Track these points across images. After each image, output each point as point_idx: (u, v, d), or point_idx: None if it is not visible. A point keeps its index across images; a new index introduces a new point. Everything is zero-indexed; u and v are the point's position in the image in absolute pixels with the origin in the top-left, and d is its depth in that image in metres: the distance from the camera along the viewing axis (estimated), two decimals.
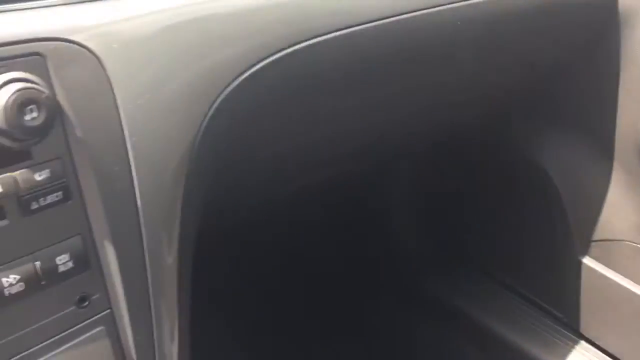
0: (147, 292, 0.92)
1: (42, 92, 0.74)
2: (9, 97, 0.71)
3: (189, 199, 0.98)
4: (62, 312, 0.84)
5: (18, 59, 0.75)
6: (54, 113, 0.75)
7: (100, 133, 0.84)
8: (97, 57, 0.83)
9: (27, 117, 0.73)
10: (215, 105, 0.98)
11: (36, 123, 0.73)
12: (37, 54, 0.77)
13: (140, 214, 0.90)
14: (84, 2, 0.87)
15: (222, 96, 0.98)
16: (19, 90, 0.72)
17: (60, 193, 0.80)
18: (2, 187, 0.74)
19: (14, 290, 0.77)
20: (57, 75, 0.78)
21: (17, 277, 0.77)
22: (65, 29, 0.81)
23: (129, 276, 0.89)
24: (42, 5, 0.82)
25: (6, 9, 0.81)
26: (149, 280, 0.92)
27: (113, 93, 0.84)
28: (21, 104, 0.72)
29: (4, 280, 0.76)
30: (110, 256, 0.87)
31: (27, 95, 0.72)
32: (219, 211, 1.22)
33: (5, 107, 0.71)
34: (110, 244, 0.86)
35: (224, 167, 1.10)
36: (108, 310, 0.89)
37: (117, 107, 0.85)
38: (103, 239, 0.86)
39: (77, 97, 0.81)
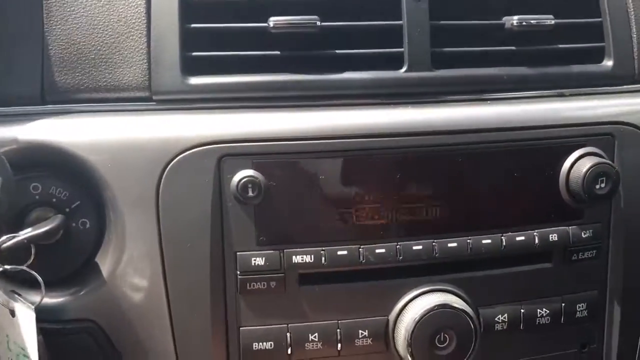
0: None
1: (614, 167, 0.88)
2: (589, 168, 0.87)
3: None
4: (566, 351, 0.97)
5: (595, 137, 0.91)
6: (617, 186, 0.89)
7: (637, 207, 0.95)
8: None
9: (597, 187, 0.88)
10: None
11: (602, 192, 0.88)
12: (610, 134, 0.92)
13: None
14: None
15: None
16: (598, 163, 0.87)
17: (594, 251, 0.94)
18: (558, 237, 0.91)
19: (542, 321, 0.93)
20: (619, 153, 0.92)
21: (547, 311, 0.93)
22: (631, 115, 0.94)
23: (626, 337, 0.99)
24: (616, 90, 0.98)
25: (576, 92, 0.98)
26: (638, 350, 1.00)
27: None
28: (597, 175, 0.87)
29: (538, 310, 0.92)
30: (615, 314, 0.97)
31: (603, 169, 0.88)
32: None
33: (586, 175, 0.87)
34: (618, 303, 0.97)
35: None
36: None
37: None
38: (613, 297, 0.97)
39: (629, 173, 0.93)
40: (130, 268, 0.84)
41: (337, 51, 0.89)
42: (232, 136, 0.82)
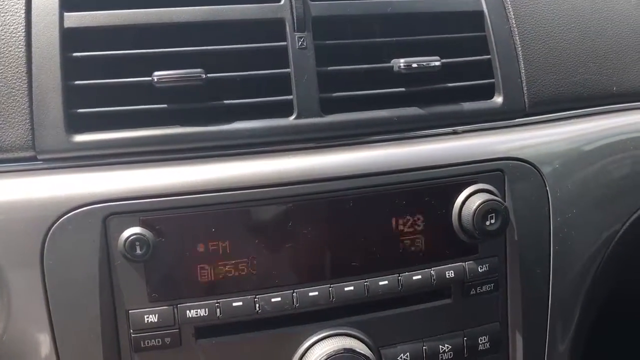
0: None
1: (502, 204, 0.90)
2: (479, 205, 0.89)
3: (593, 293, 1.06)
4: None
5: (485, 173, 0.94)
6: (507, 221, 0.91)
7: (530, 239, 0.97)
8: (542, 175, 0.97)
9: (487, 223, 0.90)
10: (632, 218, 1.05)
11: (493, 228, 0.90)
12: (500, 170, 0.94)
13: (549, 312, 1.01)
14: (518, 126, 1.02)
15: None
16: (486, 200, 0.89)
17: (492, 285, 0.96)
18: (454, 273, 0.93)
19: (445, 357, 0.94)
20: (510, 188, 0.95)
21: (450, 347, 0.94)
22: (520, 149, 0.97)
23: None
24: (507, 125, 1.00)
25: (469, 129, 1.00)
26: None
27: (549, 205, 0.98)
28: (486, 212, 0.89)
29: (440, 347, 0.94)
30: (518, 343, 0.99)
31: (492, 205, 0.89)
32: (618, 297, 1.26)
33: (475, 212, 0.89)
34: (520, 333, 0.99)
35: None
36: None
37: (549, 218, 0.98)
38: (515, 328, 0.99)
39: (521, 207, 0.96)
40: (19, 332, 0.82)
41: (225, 101, 0.89)
42: (116, 194, 0.82)
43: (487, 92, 1.01)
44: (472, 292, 0.95)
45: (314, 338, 0.88)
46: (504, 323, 0.98)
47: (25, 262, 0.80)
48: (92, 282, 0.81)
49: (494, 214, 0.90)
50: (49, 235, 0.80)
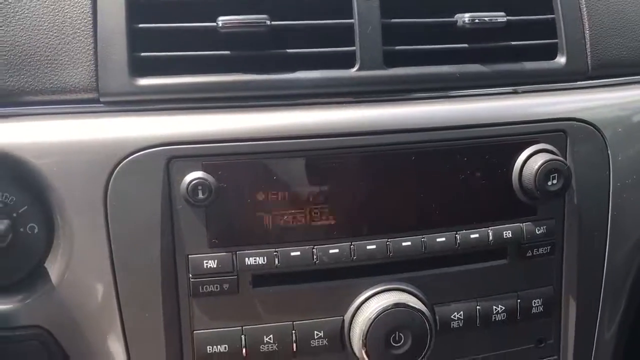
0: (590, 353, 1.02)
1: (565, 164, 0.89)
2: (542, 164, 0.88)
3: None
4: (523, 347, 0.98)
5: (547, 134, 0.92)
6: (569, 182, 0.89)
7: (589, 202, 0.96)
8: (604, 138, 0.95)
9: (549, 183, 0.88)
10: None
11: (554, 189, 0.89)
12: (562, 131, 0.92)
13: (604, 278, 0.99)
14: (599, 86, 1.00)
15: None
16: (550, 160, 0.88)
17: (548, 247, 0.94)
18: (512, 234, 0.92)
19: (498, 317, 0.93)
20: (571, 150, 0.93)
21: (503, 307, 0.93)
22: (583, 111, 0.95)
23: (582, 332, 1.00)
24: (568, 87, 0.98)
25: (530, 89, 0.99)
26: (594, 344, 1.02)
27: (609, 169, 0.96)
28: (549, 172, 0.88)
29: (494, 307, 0.93)
30: (571, 308, 0.98)
31: (554, 165, 0.88)
32: None
33: (538, 171, 0.88)
34: (574, 298, 0.98)
35: None
36: (555, 357, 1.00)
37: (609, 182, 0.96)
38: (569, 293, 0.98)
39: (582, 170, 0.94)
40: (80, 273, 0.83)
41: (287, 50, 0.88)
42: (180, 138, 0.81)
43: (550, 53, 0.99)
44: (528, 254, 0.93)
45: (370, 291, 0.88)
46: (558, 287, 0.97)
47: (88, 203, 0.81)
48: (154, 225, 0.81)
49: (556, 174, 0.88)
50: (112, 177, 0.80)
